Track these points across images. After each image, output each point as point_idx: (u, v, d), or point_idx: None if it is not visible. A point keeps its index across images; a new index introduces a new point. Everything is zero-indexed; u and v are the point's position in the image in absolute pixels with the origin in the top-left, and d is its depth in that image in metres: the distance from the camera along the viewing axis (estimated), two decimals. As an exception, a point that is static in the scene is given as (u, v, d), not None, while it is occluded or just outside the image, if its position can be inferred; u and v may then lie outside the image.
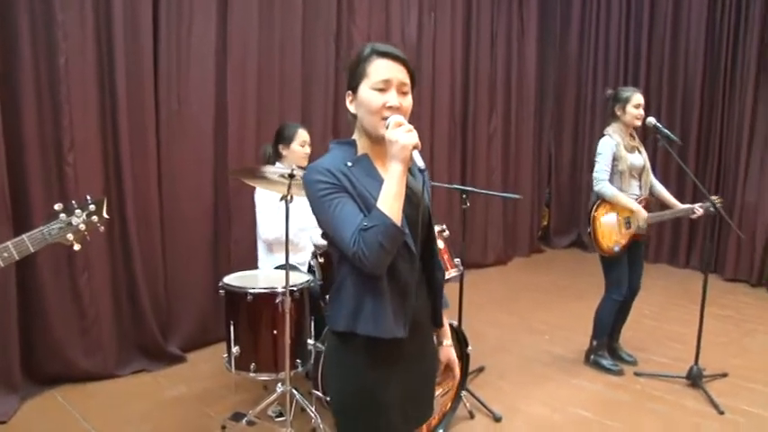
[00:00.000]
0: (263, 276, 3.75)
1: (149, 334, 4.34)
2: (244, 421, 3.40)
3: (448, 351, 2.17)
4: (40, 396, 3.94)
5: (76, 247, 1.84)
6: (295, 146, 3.95)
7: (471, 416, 3.73)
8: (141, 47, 4.20)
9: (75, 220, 1.82)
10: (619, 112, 4.23)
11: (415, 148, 1.75)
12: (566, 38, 8.33)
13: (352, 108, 1.90)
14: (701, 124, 7.21)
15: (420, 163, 1.76)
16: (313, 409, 3.36)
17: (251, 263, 4.41)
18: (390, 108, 1.82)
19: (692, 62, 7.38)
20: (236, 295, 3.45)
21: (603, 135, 4.28)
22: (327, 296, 3.46)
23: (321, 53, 5.35)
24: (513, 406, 3.89)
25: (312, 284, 3.64)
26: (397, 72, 1.86)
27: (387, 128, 1.80)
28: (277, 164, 3.96)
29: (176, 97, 4.43)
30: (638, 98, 4.19)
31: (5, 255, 1.74)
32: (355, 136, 1.93)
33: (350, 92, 1.90)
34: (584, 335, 4.97)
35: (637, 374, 4.39)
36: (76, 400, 3.90)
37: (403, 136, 1.74)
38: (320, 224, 1.83)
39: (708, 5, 7.21)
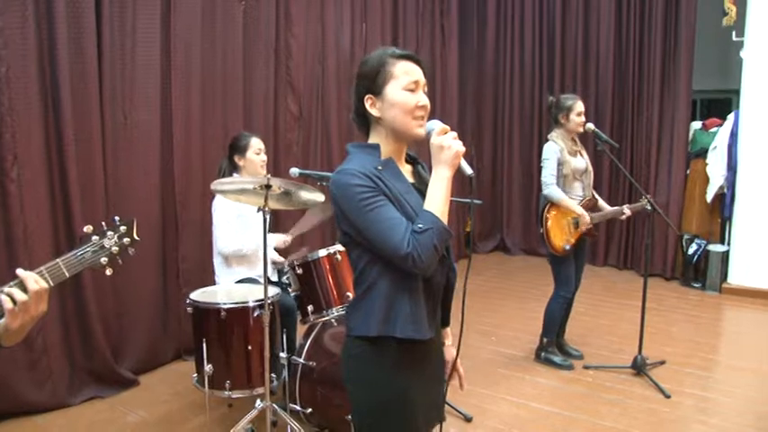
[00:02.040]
0: (227, 291, 3.66)
1: (101, 358, 4.12)
2: (226, 441, 3.30)
3: (451, 351, 2.22)
4: (-15, 433, 3.69)
5: (109, 271, 1.75)
6: (251, 154, 3.90)
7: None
8: (85, 58, 3.99)
9: (107, 243, 1.72)
10: (563, 120, 4.42)
11: (462, 155, 1.82)
12: (483, 47, 8.60)
13: (374, 112, 1.90)
14: (612, 132, 7.59)
15: (469, 170, 1.82)
16: (295, 424, 3.31)
17: (201, 279, 4.32)
18: (422, 107, 1.87)
19: (602, 74, 7.77)
20: (206, 312, 3.35)
21: (548, 140, 4.46)
22: (309, 306, 3.45)
23: (261, 63, 5.30)
24: (480, 406, 3.97)
25: (285, 297, 3.62)
26: (421, 74, 1.92)
27: (428, 133, 1.85)
28: (235, 175, 3.90)
29: (121, 109, 4.25)
30: (579, 106, 4.41)
31: None
32: (376, 139, 1.94)
33: (371, 96, 1.91)
34: (527, 333, 5.18)
35: (586, 367, 4.58)
36: (28, 435, 3.68)
37: (455, 143, 1.80)
38: (357, 228, 1.81)
39: (615, 21, 7.63)
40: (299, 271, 3.49)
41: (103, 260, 1.73)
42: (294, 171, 3.53)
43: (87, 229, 1.73)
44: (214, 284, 3.91)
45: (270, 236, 3.33)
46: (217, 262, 3.94)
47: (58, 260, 1.65)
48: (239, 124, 5.00)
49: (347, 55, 6.28)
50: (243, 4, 5.05)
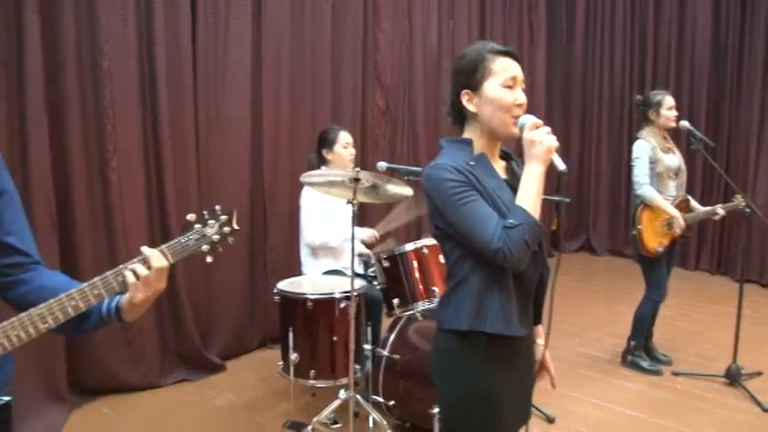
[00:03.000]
0: (313, 282, 3.72)
1: (190, 343, 4.28)
2: (309, 429, 3.36)
3: (542, 349, 2.18)
4: (86, 407, 3.88)
5: (209, 259, 1.80)
6: (338, 148, 3.94)
7: (525, 418, 3.73)
8: (181, 52, 4.17)
9: (209, 231, 1.78)
10: (653, 116, 4.28)
11: (555, 150, 1.79)
12: (572, 43, 8.42)
13: (471, 107, 1.90)
14: (707, 128, 7.29)
15: (561, 165, 1.79)
16: (378, 415, 3.34)
17: (287, 269, 4.40)
18: (519, 105, 1.86)
19: (698, 64, 7.47)
20: (293, 302, 3.43)
21: (637, 139, 4.33)
22: (395, 299, 3.47)
23: (349, 58, 5.36)
24: (564, 407, 3.90)
25: (371, 289, 3.67)
26: (519, 70, 1.90)
27: (520, 128, 1.83)
28: (323, 168, 3.95)
29: (214, 103, 4.39)
30: (669, 100, 4.26)
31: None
32: (470, 134, 1.93)
33: (468, 91, 1.90)
34: (612, 335, 5.05)
35: (675, 374, 4.42)
36: (122, 411, 3.84)
37: (548, 138, 1.78)
38: (449, 222, 1.82)
39: (712, 15, 7.31)
40: (386, 264, 3.51)
41: (205, 248, 1.78)
42: (382, 165, 3.56)
43: (190, 217, 1.78)
44: (300, 275, 3.97)
45: (357, 230, 3.36)
46: (304, 253, 4.01)
47: (162, 246, 1.71)
48: (327, 118, 5.08)
49: (434, 50, 6.29)
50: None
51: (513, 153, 2.05)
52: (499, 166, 1.97)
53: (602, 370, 4.54)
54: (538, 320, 2.14)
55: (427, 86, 6.17)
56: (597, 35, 8.34)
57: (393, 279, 3.50)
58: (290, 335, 3.38)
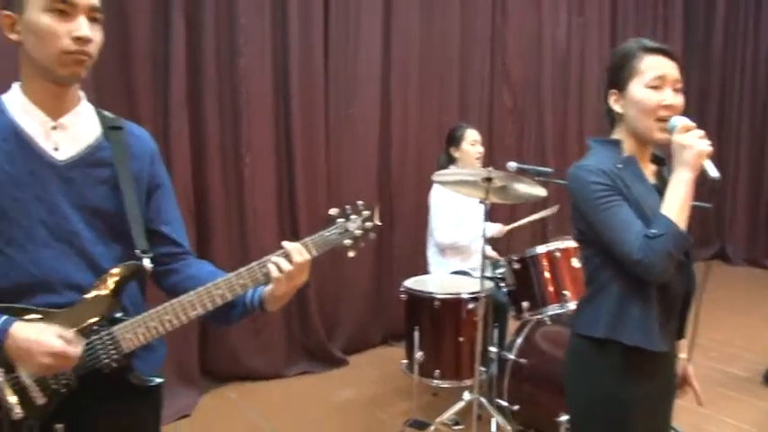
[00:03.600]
0: (439, 281, 3.69)
1: (315, 336, 4.37)
2: (432, 429, 3.34)
3: (685, 365, 2.05)
4: (215, 392, 4.03)
5: (351, 254, 1.81)
6: (466, 146, 3.90)
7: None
8: (313, 51, 4.26)
9: (351, 226, 1.78)
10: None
11: (708, 156, 1.67)
12: (711, 41, 7.96)
13: (617, 107, 1.82)
14: None
15: (714, 172, 1.67)
16: (501, 419, 3.27)
17: (412, 268, 4.38)
18: (666, 107, 1.75)
19: None
20: (420, 300, 3.41)
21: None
22: (524, 302, 3.39)
23: (477, 55, 5.30)
24: (699, 426, 3.67)
25: (498, 292, 3.60)
26: (671, 69, 1.78)
27: (670, 131, 1.73)
28: (451, 167, 3.92)
29: (344, 101, 4.46)
30: None
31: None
32: (619, 135, 1.85)
33: (615, 90, 1.82)
34: (751, 352, 4.73)
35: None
36: (248, 398, 3.97)
37: (698, 142, 1.67)
38: (591, 226, 1.76)
39: None
40: (516, 266, 3.43)
41: (347, 242, 1.79)
42: (512, 165, 3.49)
43: (333, 211, 1.79)
44: (426, 273, 3.95)
45: (487, 225, 3.31)
46: (431, 252, 3.99)
47: (306, 239, 1.73)
48: (454, 116, 5.04)
49: (563, 48, 6.10)
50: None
51: (667, 157, 1.93)
52: (649, 170, 1.87)
53: (739, 388, 4.24)
54: (681, 334, 2.01)
55: (555, 84, 6.01)
56: (740, 32, 7.83)
57: (523, 282, 3.42)
58: (416, 333, 3.36)
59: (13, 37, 1.53)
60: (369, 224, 1.82)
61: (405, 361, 3.55)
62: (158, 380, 1.67)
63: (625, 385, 1.80)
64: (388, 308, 4.74)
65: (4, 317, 1.47)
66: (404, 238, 4.74)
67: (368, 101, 4.57)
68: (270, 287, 1.70)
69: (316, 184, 4.34)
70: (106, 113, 1.72)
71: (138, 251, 1.65)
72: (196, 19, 3.78)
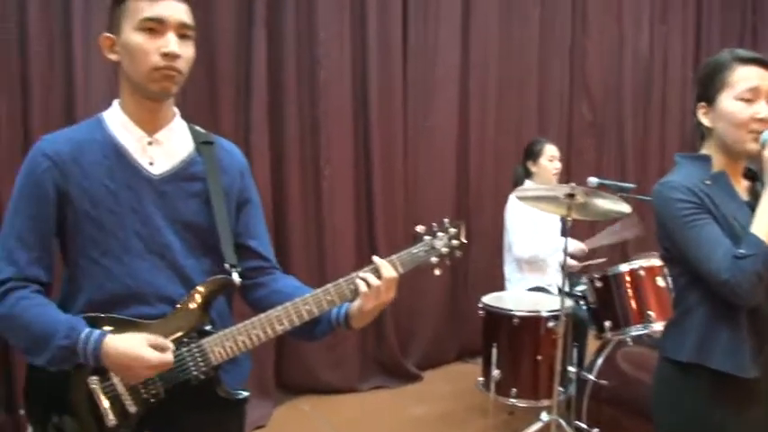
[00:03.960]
0: (518, 298, 3.61)
1: (389, 350, 4.35)
2: (509, 449, 3.28)
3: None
4: (290, 404, 4.06)
5: (437, 271, 1.80)
6: (544, 161, 3.84)
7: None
8: (391, 62, 4.26)
9: (437, 243, 1.77)
10: None
11: None
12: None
13: (706, 121, 1.76)
14: None
15: None
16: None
17: (488, 283, 4.31)
18: (761, 121, 1.67)
19: None
20: (498, 317, 3.35)
21: None
22: (606, 322, 3.29)
23: (556, 66, 5.20)
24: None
25: (578, 309, 3.52)
26: (767, 80, 1.70)
27: (763, 145, 1.65)
28: (527, 182, 3.86)
29: (422, 111, 4.45)
30: None
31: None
32: (708, 151, 1.78)
33: (704, 103, 1.76)
34: None
35: None
36: (322, 411, 3.98)
37: None
38: (676, 245, 1.71)
39: None
40: (598, 284, 3.33)
41: (433, 260, 1.78)
42: (592, 180, 3.40)
43: (420, 228, 1.78)
44: (503, 290, 3.89)
45: (569, 241, 3.24)
46: (509, 268, 3.92)
47: (393, 256, 1.73)
48: (532, 129, 4.96)
49: (645, 58, 5.91)
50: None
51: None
52: (742, 186, 1.79)
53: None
54: None
55: (636, 97, 5.82)
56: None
57: (605, 300, 3.31)
58: (494, 351, 3.31)
59: (112, 57, 1.60)
60: (455, 242, 1.80)
61: (481, 378, 3.49)
62: (244, 393, 1.69)
63: (720, 414, 1.71)
64: (463, 323, 4.68)
65: (97, 332, 1.52)
66: (480, 253, 4.67)
67: (445, 112, 4.54)
68: (356, 303, 1.69)
69: (393, 196, 4.34)
70: (198, 129, 1.76)
71: (227, 265, 1.67)
72: (277, 33, 3.85)
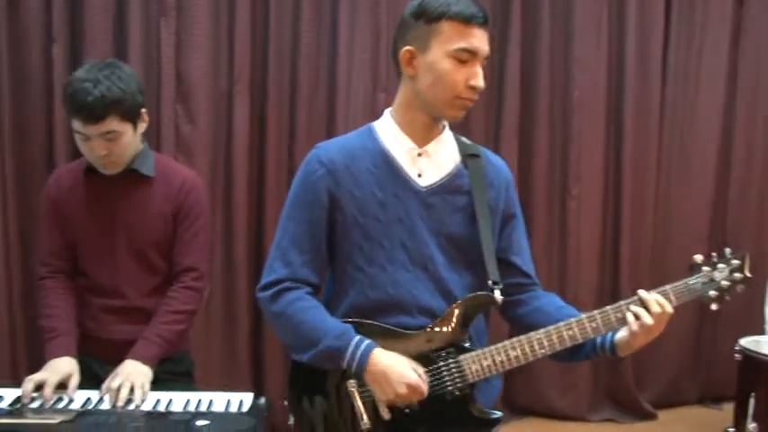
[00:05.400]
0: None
1: (624, 383, 4.08)
2: None
3: None
4: (514, 424, 3.95)
5: (714, 306, 1.65)
6: None
7: None
8: (649, 81, 4.02)
9: (717, 276, 1.63)
10: None
11: None
12: None
13: None
14: None
15: None
16: None
17: (744, 323, 3.92)
18: None
19: None
20: (760, 364, 3.00)
21: None
22: None
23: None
24: None
25: None
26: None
27: None
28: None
29: (679, 135, 4.14)
30: None
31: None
32: None
33: None
34: None
35: None
36: (547, 436, 3.86)
37: None
38: None
39: None
40: None
41: (712, 293, 1.65)
42: None
43: (697, 258, 1.66)
44: (762, 332, 3.49)
45: None
46: (771, 309, 3.54)
47: (667, 287, 1.62)
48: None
49: None
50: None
51: None
52: None
53: None
54: None
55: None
56: None
57: None
58: (751, 401, 2.98)
59: (408, 71, 1.63)
60: (738, 275, 1.65)
61: (732, 429, 3.16)
62: (497, 413, 1.66)
63: None
64: (708, 365, 4.27)
65: (367, 341, 1.57)
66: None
67: (706, 135, 4.17)
68: (625, 334, 1.63)
69: (642, 220, 4.08)
70: (465, 140, 1.78)
71: (490, 282, 1.66)
72: (531, 51, 3.82)
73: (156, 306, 2.12)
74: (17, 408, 1.72)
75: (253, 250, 3.52)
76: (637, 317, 1.57)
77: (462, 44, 1.53)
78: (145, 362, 1.96)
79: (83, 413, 1.68)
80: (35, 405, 1.77)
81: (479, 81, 1.56)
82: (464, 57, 1.54)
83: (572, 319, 1.61)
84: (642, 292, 1.60)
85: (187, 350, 2.31)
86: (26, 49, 3.18)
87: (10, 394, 1.82)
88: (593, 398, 4.11)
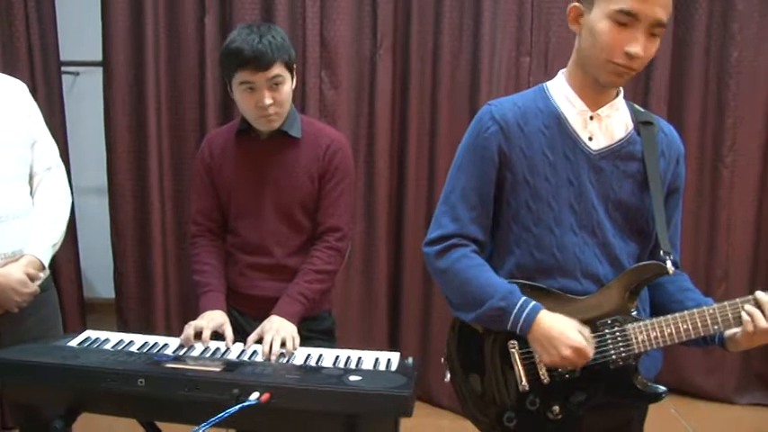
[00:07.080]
0: None
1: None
2: None
3: None
4: (658, 405, 3.83)
5: None
6: None
7: None
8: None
9: None
10: None
11: None
12: None
13: None
14: None
15: None
16: None
17: None
18: None
19: None
20: None
21: None
22: None
23: None
24: None
25: None
26: None
27: None
28: None
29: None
30: None
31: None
32: None
33: None
34: None
35: None
36: (690, 417, 3.69)
37: None
38: None
39: None
40: None
41: None
42: None
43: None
44: None
45: None
46: None
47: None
48: None
49: None
50: None
51: None
52: None
53: None
54: None
55: None
56: None
57: None
58: None
59: (574, 28, 1.60)
60: None
61: None
62: (662, 388, 1.60)
63: None
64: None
65: (533, 302, 1.55)
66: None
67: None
68: (738, 333, 1.54)
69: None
70: (639, 108, 1.71)
71: (661, 252, 1.60)
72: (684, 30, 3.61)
73: (299, 265, 2.18)
74: (180, 355, 1.84)
75: (393, 214, 3.57)
76: (753, 319, 1.48)
77: (622, 5, 1.45)
78: (289, 318, 2.04)
79: (240, 363, 1.76)
80: (195, 354, 1.89)
81: (635, 48, 1.47)
82: (623, 19, 1.46)
83: (725, 303, 1.53)
84: (760, 294, 1.51)
85: (329, 309, 2.37)
86: (182, 22, 3.37)
87: (174, 343, 1.96)
88: (740, 380, 3.88)
